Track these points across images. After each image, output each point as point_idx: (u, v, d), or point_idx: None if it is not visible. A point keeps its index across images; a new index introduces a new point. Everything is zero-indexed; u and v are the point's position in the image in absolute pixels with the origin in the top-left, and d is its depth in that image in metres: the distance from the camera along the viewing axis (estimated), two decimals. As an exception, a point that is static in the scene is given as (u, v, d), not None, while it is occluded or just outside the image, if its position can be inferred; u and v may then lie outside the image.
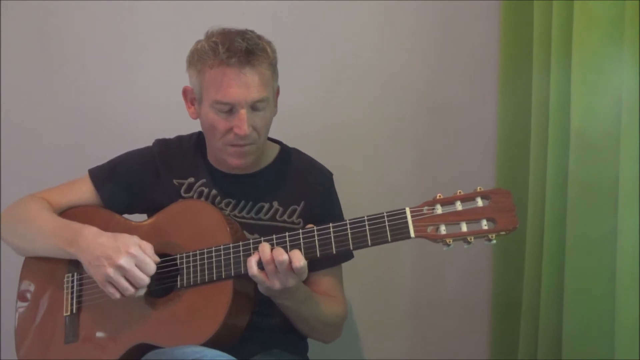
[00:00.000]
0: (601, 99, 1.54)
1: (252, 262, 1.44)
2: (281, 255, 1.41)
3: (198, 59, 1.56)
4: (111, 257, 1.48)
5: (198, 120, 1.65)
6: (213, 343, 1.43)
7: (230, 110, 1.54)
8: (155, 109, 2.13)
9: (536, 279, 1.79)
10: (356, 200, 1.88)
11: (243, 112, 1.53)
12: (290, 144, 1.75)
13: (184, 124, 1.73)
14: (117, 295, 1.49)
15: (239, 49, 1.51)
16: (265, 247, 1.43)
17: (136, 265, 1.48)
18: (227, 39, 1.53)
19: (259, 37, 1.57)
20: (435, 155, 2.06)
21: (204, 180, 1.66)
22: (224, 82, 1.52)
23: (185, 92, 1.64)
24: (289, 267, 1.41)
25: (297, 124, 2.06)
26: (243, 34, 1.55)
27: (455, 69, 2.04)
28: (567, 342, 1.64)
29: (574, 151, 1.59)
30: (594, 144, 1.55)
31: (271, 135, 1.76)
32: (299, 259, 1.41)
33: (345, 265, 1.73)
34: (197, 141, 1.72)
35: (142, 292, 1.50)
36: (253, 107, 1.54)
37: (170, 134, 1.76)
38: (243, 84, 1.51)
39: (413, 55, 2.05)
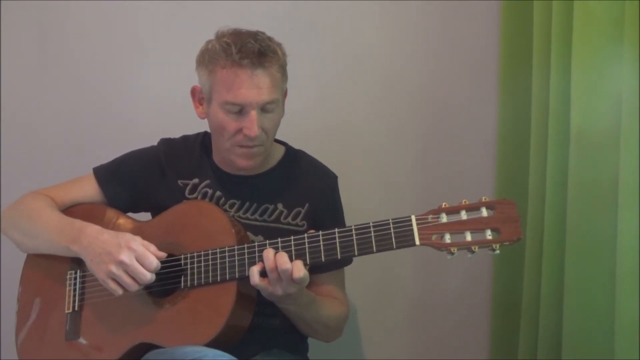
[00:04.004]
0: (601, 99, 1.54)
1: (255, 271, 1.44)
2: (284, 264, 1.41)
3: (209, 58, 1.55)
4: (112, 253, 1.49)
5: (199, 120, 1.64)
6: (215, 344, 1.43)
7: (240, 111, 1.54)
8: (155, 109, 2.13)
9: (536, 279, 1.79)
10: (356, 200, 1.88)
11: (254, 113, 1.53)
12: (291, 144, 1.75)
13: (184, 124, 1.73)
14: (120, 292, 1.49)
15: (251, 50, 1.51)
16: (269, 254, 1.43)
17: (137, 260, 1.48)
18: (240, 40, 1.53)
19: (270, 39, 1.56)
20: (436, 155, 2.06)
21: (208, 181, 1.66)
22: (236, 83, 1.51)
23: (193, 92, 1.64)
24: (290, 276, 1.42)
25: (297, 124, 2.05)
26: (255, 35, 1.55)
27: (455, 69, 2.04)
28: (567, 342, 1.63)
29: (574, 151, 1.59)
30: (594, 144, 1.55)
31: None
32: (299, 270, 1.41)
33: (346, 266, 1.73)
34: (202, 141, 1.71)
35: (141, 286, 1.50)
36: (263, 109, 1.54)
37: (171, 134, 1.76)
38: (254, 86, 1.51)
39: (413, 55, 2.05)
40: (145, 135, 1.77)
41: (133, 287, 1.48)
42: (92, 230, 1.55)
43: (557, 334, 1.68)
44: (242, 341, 1.52)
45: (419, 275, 2.12)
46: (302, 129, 2.05)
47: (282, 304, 1.52)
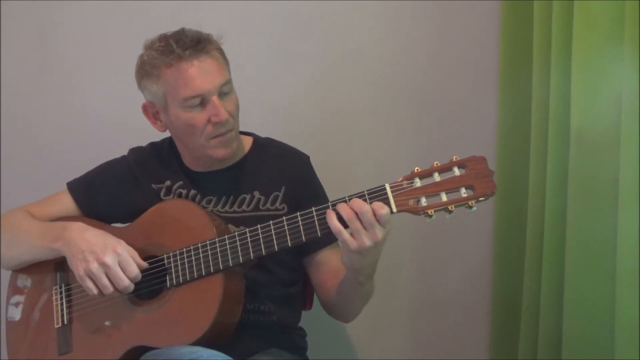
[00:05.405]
0: (601, 99, 1.54)
1: (333, 217, 1.38)
2: (363, 205, 1.36)
3: (151, 67, 1.56)
4: (97, 253, 1.50)
5: None
6: (208, 339, 1.43)
7: (202, 102, 1.55)
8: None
9: (536, 279, 1.79)
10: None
11: (215, 99, 1.54)
12: (289, 141, 1.75)
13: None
14: (95, 291, 1.50)
15: (189, 39, 1.54)
16: (346, 206, 1.37)
17: (119, 265, 1.49)
18: (173, 38, 1.56)
19: (198, 31, 1.59)
20: (435, 155, 2.04)
21: (181, 182, 1.67)
22: (187, 77, 1.53)
23: (145, 109, 1.65)
24: (373, 217, 1.36)
25: (297, 123, 2.06)
26: (183, 30, 1.58)
27: (455, 69, 2.04)
28: (567, 342, 1.64)
29: (574, 151, 1.59)
30: (594, 144, 1.55)
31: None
32: (381, 207, 1.36)
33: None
34: (169, 146, 1.72)
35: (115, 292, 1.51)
36: (220, 93, 1.56)
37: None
38: (205, 73, 1.54)
39: (413, 55, 2.05)
40: (145, 135, 1.77)
41: (108, 289, 1.49)
42: (76, 226, 1.57)
43: (557, 334, 1.69)
44: (240, 340, 1.53)
45: (419, 275, 2.12)
46: (301, 127, 2.06)
47: (365, 261, 1.43)
